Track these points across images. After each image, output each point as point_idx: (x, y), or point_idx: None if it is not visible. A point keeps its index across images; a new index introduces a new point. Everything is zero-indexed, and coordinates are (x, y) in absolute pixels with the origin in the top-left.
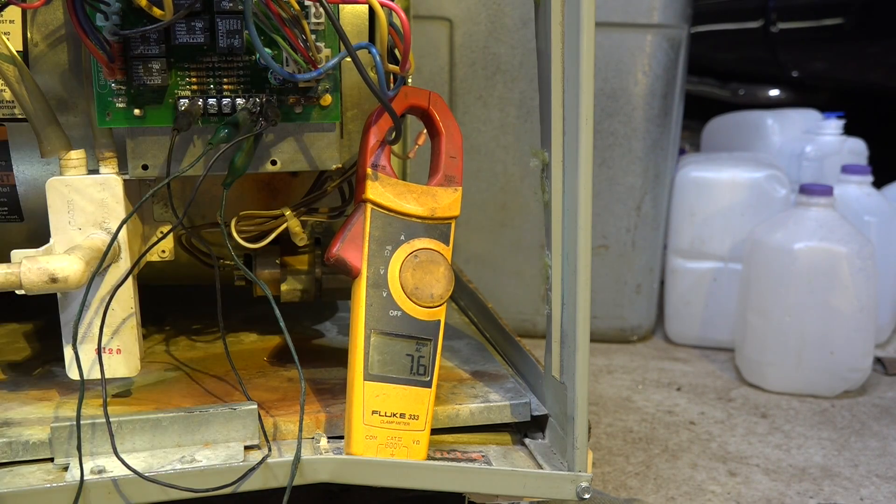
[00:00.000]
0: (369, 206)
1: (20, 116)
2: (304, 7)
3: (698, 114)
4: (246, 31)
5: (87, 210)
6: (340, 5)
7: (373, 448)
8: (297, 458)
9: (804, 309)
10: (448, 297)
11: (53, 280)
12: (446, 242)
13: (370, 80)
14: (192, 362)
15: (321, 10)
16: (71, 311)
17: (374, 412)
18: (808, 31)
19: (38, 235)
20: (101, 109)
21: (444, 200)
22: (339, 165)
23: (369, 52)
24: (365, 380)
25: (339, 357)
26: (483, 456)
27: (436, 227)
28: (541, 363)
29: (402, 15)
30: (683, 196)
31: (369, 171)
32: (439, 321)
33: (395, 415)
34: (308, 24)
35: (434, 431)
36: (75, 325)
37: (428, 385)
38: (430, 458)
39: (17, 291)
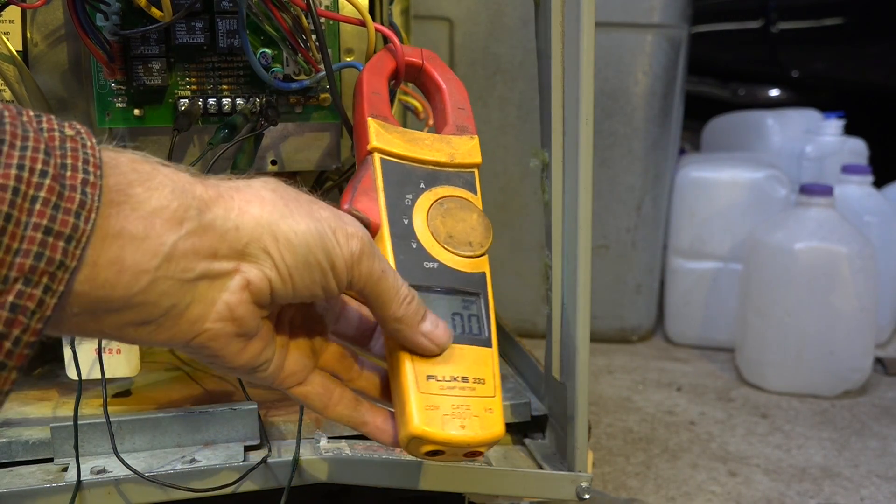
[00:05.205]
0: (377, 154)
1: None
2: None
3: (698, 114)
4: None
5: None
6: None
7: (437, 419)
8: (297, 458)
9: (804, 309)
10: (489, 246)
11: None
12: (473, 191)
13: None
14: (193, 362)
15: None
16: None
17: (429, 377)
18: (808, 31)
19: None
20: (101, 109)
21: (462, 147)
22: (339, 165)
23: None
24: None
25: None
26: (483, 456)
27: (458, 175)
28: (541, 363)
29: (395, 40)
30: (683, 196)
31: (370, 120)
32: (484, 273)
33: (455, 378)
34: (309, 24)
35: None
36: None
37: (487, 344)
38: None
39: None
